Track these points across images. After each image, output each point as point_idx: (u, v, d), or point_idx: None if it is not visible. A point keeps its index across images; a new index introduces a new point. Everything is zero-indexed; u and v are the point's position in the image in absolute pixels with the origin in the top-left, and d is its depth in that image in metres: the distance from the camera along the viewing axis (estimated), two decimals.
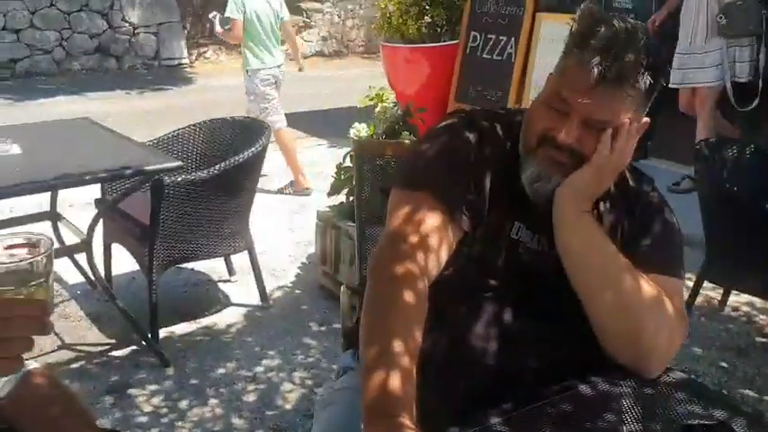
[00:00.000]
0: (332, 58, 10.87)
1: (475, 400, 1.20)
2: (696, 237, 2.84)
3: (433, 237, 1.19)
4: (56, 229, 3.16)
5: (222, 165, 2.77)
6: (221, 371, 2.68)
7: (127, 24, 9.59)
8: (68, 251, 2.90)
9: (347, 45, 11.13)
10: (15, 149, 2.65)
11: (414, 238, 1.17)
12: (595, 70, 1.15)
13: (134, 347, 2.82)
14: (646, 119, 1.26)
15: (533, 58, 4.95)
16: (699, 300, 3.08)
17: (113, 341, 2.86)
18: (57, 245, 3.13)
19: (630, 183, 1.34)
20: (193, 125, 3.35)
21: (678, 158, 4.96)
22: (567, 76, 1.20)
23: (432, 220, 1.19)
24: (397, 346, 1.06)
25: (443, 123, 1.34)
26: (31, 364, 1.33)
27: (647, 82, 1.19)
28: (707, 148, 2.90)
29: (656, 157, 5.16)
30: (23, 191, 2.32)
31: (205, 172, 2.77)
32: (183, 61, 9.95)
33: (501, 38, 5.15)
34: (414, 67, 5.58)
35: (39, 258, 0.78)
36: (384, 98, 3.38)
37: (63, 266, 3.19)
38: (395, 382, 1.03)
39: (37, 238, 0.81)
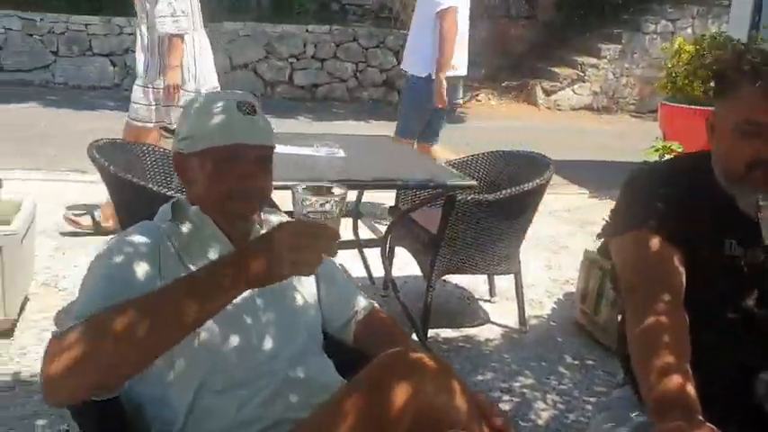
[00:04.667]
0: (600, 113, 10.81)
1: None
2: None
3: (667, 267, 1.37)
4: (355, 226, 3.64)
5: (509, 190, 3.01)
6: (479, 377, 2.90)
7: None
8: (364, 245, 3.35)
9: (617, 102, 11.00)
10: (341, 153, 3.16)
11: (650, 274, 1.37)
12: None
13: None
14: None
15: None
16: None
17: None
18: (353, 238, 3.61)
19: None
20: (481, 153, 3.65)
21: None
22: (748, 104, 1.36)
23: (658, 253, 1.39)
24: (672, 355, 1.24)
25: (650, 172, 1.65)
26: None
27: None
28: None
29: None
30: (351, 186, 2.76)
31: (492, 195, 3.04)
32: (457, 101, 10.57)
33: None
34: (695, 128, 5.43)
35: (335, 202, 1.18)
36: (672, 152, 3.40)
37: (350, 261, 3.65)
38: (680, 381, 1.19)
39: (334, 190, 1.20)
